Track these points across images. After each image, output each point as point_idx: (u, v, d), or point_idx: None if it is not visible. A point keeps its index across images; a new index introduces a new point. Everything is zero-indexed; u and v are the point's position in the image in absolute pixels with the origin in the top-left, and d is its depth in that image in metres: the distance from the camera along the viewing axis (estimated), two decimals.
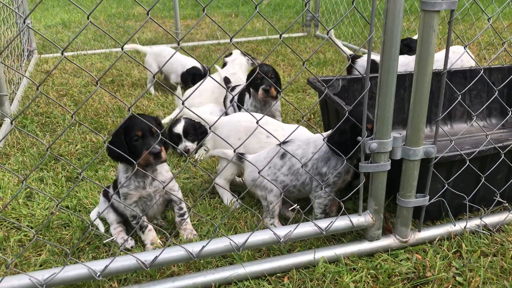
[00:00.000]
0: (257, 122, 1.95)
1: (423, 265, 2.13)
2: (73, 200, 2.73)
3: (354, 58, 4.22)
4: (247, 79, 3.47)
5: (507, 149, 2.32)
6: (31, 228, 2.51)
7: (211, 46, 6.74)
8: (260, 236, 2.08)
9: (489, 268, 2.11)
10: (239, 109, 3.75)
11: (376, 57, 3.88)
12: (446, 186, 2.27)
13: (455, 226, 2.34)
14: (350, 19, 7.18)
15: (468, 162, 2.24)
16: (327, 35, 1.77)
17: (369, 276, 2.08)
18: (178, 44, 1.69)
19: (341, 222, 2.19)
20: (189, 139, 3.33)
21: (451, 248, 2.25)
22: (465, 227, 2.33)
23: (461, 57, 3.81)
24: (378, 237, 2.26)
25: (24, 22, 5.78)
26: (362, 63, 4.10)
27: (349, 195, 2.20)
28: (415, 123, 2.03)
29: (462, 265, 2.13)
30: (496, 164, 2.35)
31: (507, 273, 2.09)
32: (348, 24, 7.11)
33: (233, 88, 3.97)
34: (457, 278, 2.07)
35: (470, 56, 2.15)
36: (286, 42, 2.03)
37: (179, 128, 3.32)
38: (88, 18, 1.51)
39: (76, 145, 3.45)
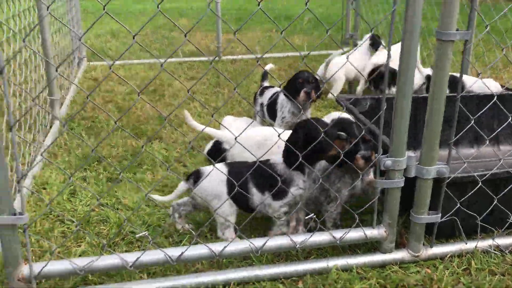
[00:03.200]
0: (279, 136, 2.12)
1: (431, 279, 2.24)
2: (112, 199, 2.98)
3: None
4: (287, 85, 3.66)
5: None
6: (73, 221, 2.77)
7: (250, 60, 6.98)
8: (278, 241, 2.25)
9: (496, 286, 2.20)
10: (270, 116, 3.87)
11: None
12: (459, 205, 2.38)
13: (466, 244, 2.43)
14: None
15: (480, 183, 2.35)
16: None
17: (378, 285, 2.21)
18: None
19: (355, 233, 2.33)
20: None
21: (461, 265, 2.35)
22: (476, 246, 2.42)
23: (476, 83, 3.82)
24: (391, 250, 2.39)
25: (79, 39, 6.17)
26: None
27: (363, 208, 2.34)
28: (429, 144, 2.17)
29: (470, 281, 2.23)
30: (510, 187, 2.44)
31: None
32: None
33: (263, 91, 4.07)
34: None
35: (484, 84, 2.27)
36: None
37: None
38: (133, 38, 1.74)
39: (118, 149, 3.73)
